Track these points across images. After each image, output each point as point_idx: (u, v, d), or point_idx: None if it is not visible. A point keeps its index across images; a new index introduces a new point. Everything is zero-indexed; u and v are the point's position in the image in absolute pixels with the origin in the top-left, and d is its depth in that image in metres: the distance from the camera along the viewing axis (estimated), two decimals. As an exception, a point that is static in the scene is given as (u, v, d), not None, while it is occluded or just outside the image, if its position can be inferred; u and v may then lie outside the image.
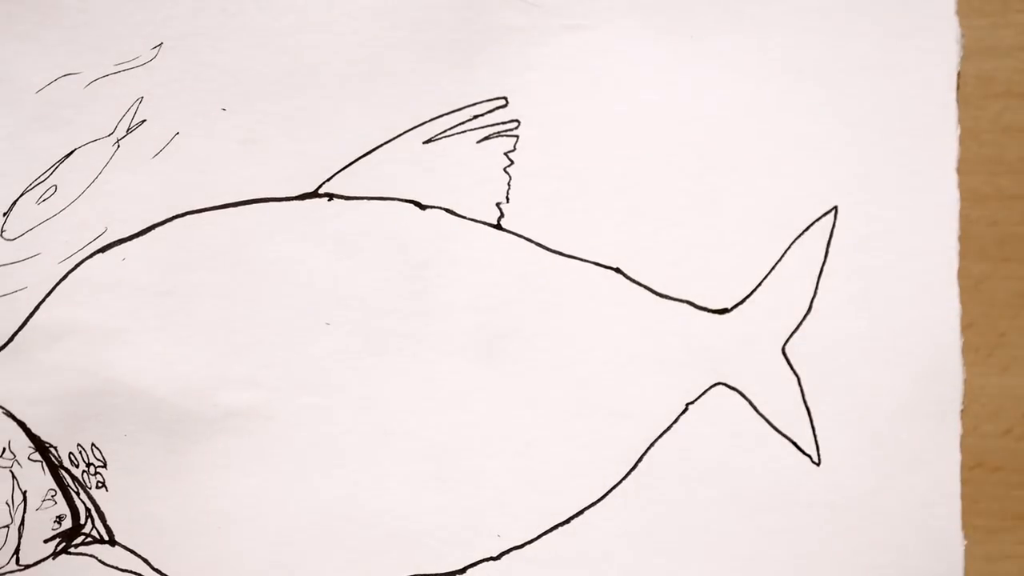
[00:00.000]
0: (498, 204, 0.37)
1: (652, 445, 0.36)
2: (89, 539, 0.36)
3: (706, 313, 0.36)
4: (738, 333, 0.36)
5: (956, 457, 0.36)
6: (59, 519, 0.36)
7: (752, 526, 0.36)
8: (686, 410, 0.36)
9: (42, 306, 0.36)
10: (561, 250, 0.37)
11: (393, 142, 0.37)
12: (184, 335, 0.36)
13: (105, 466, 0.36)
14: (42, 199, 0.37)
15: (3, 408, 0.36)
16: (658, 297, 0.36)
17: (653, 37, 0.37)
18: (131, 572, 0.36)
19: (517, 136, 0.37)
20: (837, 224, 0.36)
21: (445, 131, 0.37)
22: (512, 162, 0.37)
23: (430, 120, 0.37)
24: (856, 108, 0.36)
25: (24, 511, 0.36)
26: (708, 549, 0.36)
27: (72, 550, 0.36)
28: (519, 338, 0.36)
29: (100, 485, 0.36)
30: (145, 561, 0.36)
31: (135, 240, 0.37)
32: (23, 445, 0.36)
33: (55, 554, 0.36)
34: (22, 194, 0.37)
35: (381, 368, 0.36)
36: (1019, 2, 0.37)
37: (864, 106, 0.36)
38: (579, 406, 0.36)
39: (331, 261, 0.37)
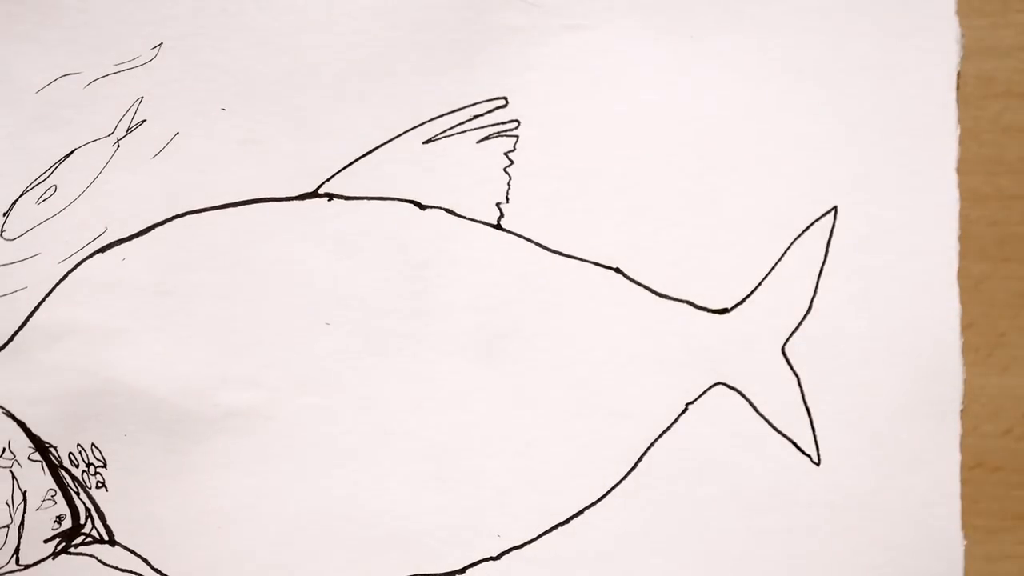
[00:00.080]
0: (498, 204, 0.37)
1: (652, 445, 0.36)
2: (89, 539, 0.36)
3: (706, 313, 0.36)
4: (738, 333, 0.36)
5: (956, 457, 0.36)
6: (59, 519, 0.36)
7: (752, 526, 0.36)
8: (686, 410, 0.36)
9: (42, 306, 0.36)
10: (561, 250, 0.37)
11: (393, 142, 0.37)
12: (184, 335, 0.36)
13: (105, 466, 0.36)
14: (42, 199, 0.37)
15: (3, 408, 0.36)
16: (658, 297, 0.36)
17: (653, 37, 0.37)
18: (131, 572, 0.36)
19: (517, 136, 0.37)
20: (837, 224, 0.36)
21: (445, 131, 0.37)
22: (512, 162, 0.37)
23: (430, 120, 0.37)
24: (856, 108, 0.36)
25: (24, 511, 0.36)
26: (708, 549, 0.36)
27: (72, 550, 0.36)
28: (519, 338, 0.36)
29: (100, 485, 0.36)
30: (145, 561, 0.36)
31: (135, 240, 0.37)
32: (23, 445, 0.36)
33: (55, 554, 0.36)
34: (22, 194, 0.37)
35: (381, 368, 0.36)
36: (1019, 2, 0.37)
37: (864, 106, 0.36)
38: (579, 406, 0.36)
39: (331, 261, 0.37)
